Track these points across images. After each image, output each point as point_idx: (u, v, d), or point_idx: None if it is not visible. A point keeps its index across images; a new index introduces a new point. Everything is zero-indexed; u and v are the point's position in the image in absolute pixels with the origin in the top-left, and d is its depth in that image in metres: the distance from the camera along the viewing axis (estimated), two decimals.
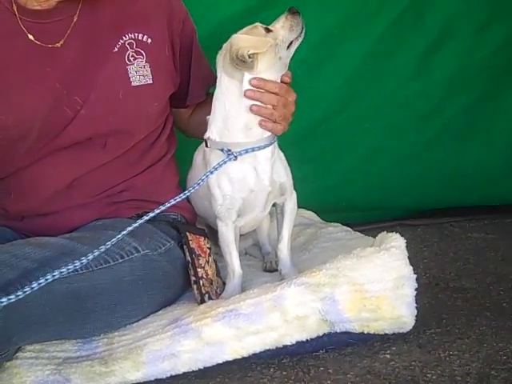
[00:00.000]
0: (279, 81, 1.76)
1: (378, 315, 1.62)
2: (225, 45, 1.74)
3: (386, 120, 2.52)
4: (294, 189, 1.90)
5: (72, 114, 1.72)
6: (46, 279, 1.38)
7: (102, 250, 1.48)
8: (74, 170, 1.77)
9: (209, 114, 1.80)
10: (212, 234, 1.99)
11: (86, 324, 1.63)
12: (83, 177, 1.78)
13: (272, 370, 1.59)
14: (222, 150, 1.73)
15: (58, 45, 1.73)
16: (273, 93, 1.72)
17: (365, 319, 1.62)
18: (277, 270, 1.91)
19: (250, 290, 1.69)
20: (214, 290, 1.80)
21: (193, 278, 1.77)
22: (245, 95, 1.70)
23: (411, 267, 1.67)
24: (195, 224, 2.06)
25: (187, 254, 1.81)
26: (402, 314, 1.63)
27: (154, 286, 1.75)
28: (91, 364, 1.53)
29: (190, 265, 1.79)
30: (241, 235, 2.04)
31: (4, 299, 1.32)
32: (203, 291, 1.75)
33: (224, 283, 1.86)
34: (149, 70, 1.79)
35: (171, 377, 1.54)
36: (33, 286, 1.36)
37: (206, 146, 1.78)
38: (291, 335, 1.58)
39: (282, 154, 1.85)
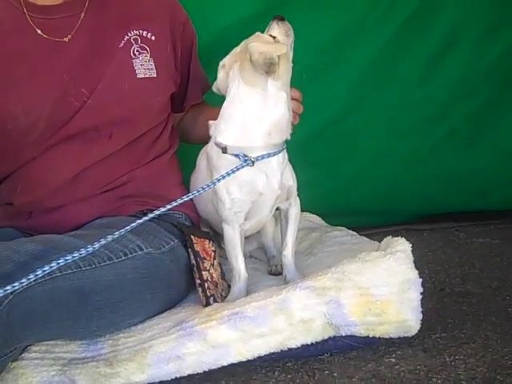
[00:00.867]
0: None
1: (383, 319, 1.61)
2: (234, 54, 1.77)
3: (391, 125, 2.53)
4: (298, 195, 1.91)
5: (79, 104, 1.77)
6: (44, 270, 1.36)
7: (102, 243, 1.47)
8: (81, 161, 1.80)
9: (199, 116, 1.88)
10: (215, 236, 2.00)
11: (90, 322, 1.62)
12: (90, 168, 1.81)
13: (277, 372, 1.59)
14: (236, 156, 1.74)
15: (66, 39, 1.79)
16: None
17: (370, 323, 1.61)
18: (282, 274, 1.91)
19: (255, 293, 1.69)
20: (219, 292, 1.80)
21: (198, 281, 1.77)
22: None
23: (417, 271, 1.66)
24: (199, 225, 2.06)
25: (192, 257, 1.80)
26: (408, 318, 1.63)
27: (157, 285, 1.75)
28: (96, 365, 1.53)
29: (194, 268, 1.79)
30: (245, 238, 2.05)
31: (8, 287, 1.31)
32: (208, 294, 1.75)
33: (229, 286, 1.86)
34: (153, 64, 1.85)
35: (176, 379, 1.54)
36: (37, 273, 1.35)
37: (223, 152, 1.77)
38: (296, 338, 1.58)
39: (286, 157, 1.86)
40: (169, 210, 1.64)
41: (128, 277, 1.67)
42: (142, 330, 1.67)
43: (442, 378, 1.53)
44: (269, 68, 1.69)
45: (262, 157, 1.73)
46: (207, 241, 1.90)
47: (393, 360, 1.63)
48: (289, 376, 1.57)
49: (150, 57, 1.85)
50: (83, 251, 1.44)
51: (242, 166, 1.71)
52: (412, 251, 1.73)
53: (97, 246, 1.47)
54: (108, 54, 1.82)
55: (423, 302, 1.73)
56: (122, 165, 1.87)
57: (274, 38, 1.77)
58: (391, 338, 1.66)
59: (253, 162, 1.72)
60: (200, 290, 1.77)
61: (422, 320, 1.66)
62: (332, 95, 2.47)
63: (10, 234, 1.79)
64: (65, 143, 1.79)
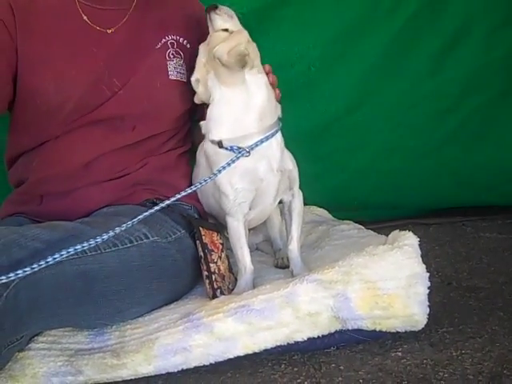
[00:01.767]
0: None
1: (390, 313, 1.61)
2: (202, 65, 1.83)
3: (400, 118, 2.51)
4: (301, 189, 1.91)
5: (110, 93, 1.83)
6: (54, 258, 1.39)
7: (110, 234, 1.50)
8: (101, 147, 1.84)
9: None
10: (221, 228, 2.00)
11: (96, 309, 1.63)
12: (106, 154, 1.85)
13: (283, 366, 1.59)
14: (231, 149, 1.75)
15: (109, 31, 1.87)
16: None
17: (377, 317, 1.61)
18: (288, 267, 1.91)
19: (262, 285, 1.70)
20: (226, 285, 1.81)
21: (205, 273, 1.78)
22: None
23: (424, 265, 1.66)
24: (207, 217, 2.07)
25: (200, 248, 1.81)
26: (415, 313, 1.63)
27: (162, 274, 1.76)
28: (103, 356, 1.54)
29: (202, 260, 1.79)
30: (250, 230, 2.06)
31: (12, 274, 1.33)
32: (215, 286, 1.76)
33: (236, 279, 1.86)
34: (184, 69, 1.94)
35: (182, 371, 1.55)
36: (41, 263, 1.37)
37: (220, 146, 1.79)
38: (303, 332, 1.58)
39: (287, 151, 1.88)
40: (177, 200, 1.67)
41: (133, 264, 1.68)
42: (148, 321, 1.68)
43: (449, 373, 1.53)
44: (242, 62, 1.71)
45: (256, 144, 1.75)
46: (215, 233, 1.90)
47: (399, 354, 1.62)
48: (295, 369, 1.57)
49: (184, 62, 1.94)
50: (86, 245, 1.46)
51: (237, 158, 1.73)
52: (419, 245, 1.74)
53: (105, 236, 1.49)
54: (145, 53, 1.90)
55: (430, 296, 1.72)
56: (138, 154, 1.91)
57: (227, 30, 1.79)
58: (398, 332, 1.66)
59: (248, 152, 1.74)
60: (207, 282, 1.77)
61: (428, 314, 1.66)
62: (340, 88, 2.46)
63: (19, 222, 1.81)
64: (88, 127, 1.84)
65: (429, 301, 1.68)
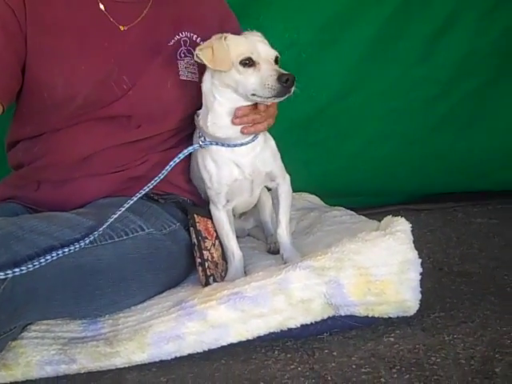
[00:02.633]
0: None
1: (382, 299, 1.62)
2: None
3: (391, 105, 2.51)
4: (292, 175, 1.91)
5: (118, 91, 1.80)
6: (52, 256, 1.43)
7: (104, 226, 1.54)
8: (104, 142, 1.83)
9: None
10: None
11: (91, 301, 1.64)
12: (109, 149, 1.83)
13: (276, 352, 1.60)
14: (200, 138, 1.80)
15: (122, 28, 1.84)
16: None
17: (369, 303, 1.62)
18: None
19: (254, 272, 1.70)
20: (218, 272, 1.81)
21: (198, 260, 1.78)
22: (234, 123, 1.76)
23: (416, 251, 1.66)
24: (204, 207, 2.06)
25: (194, 235, 1.81)
26: (407, 298, 1.64)
27: (158, 266, 1.76)
28: (96, 344, 1.55)
29: (195, 247, 1.80)
30: (242, 215, 2.07)
31: (9, 271, 1.36)
32: (208, 273, 1.76)
33: None
34: (196, 69, 1.90)
35: (176, 358, 1.56)
36: (41, 261, 1.41)
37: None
38: (296, 318, 1.59)
39: (272, 143, 1.86)
40: (174, 194, 1.80)
41: (129, 256, 1.68)
42: (141, 309, 1.68)
43: (441, 357, 1.54)
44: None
45: (211, 143, 1.77)
46: (210, 221, 1.90)
47: (392, 339, 1.63)
48: (288, 355, 1.58)
49: (195, 61, 1.83)
50: (82, 243, 1.51)
51: (188, 151, 1.79)
52: (411, 231, 1.73)
53: (96, 234, 1.54)
54: (156, 49, 1.86)
55: (422, 281, 1.73)
56: (139, 151, 1.89)
57: None
58: (390, 318, 1.67)
59: (200, 146, 1.78)
60: (200, 269, 1.77)
61: (420, 300, 1.67)
62: (331, 75, 2.45)
63: (14, 210, 1.81)
64: (93, 122, 1.82)
65: (420, 286, 1.69)
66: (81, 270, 1.58)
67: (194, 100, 1.86)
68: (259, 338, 1.59)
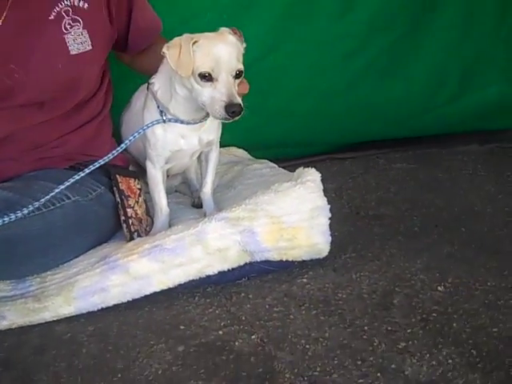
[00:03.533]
0: None
1: (294, 244, 1.75)
2: None
3: (311, 60, 2.56)
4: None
5: (12, 82, 1.73)
6: None
7: (36, 205, 1.60)
8: (9, 126, 1.79)
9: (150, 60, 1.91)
10: (143, 173, 2.08)
11: (20, 266, 1.71)
12: (17, 132, 1.81)
13: (197, 298, 1.72)
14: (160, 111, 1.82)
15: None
16: None
17: (282, 248, 1.75)
18: None
19: (174, 226, 1.80)
20: (143, 228, 1.91)
21: (122, 218, 1.87)
22: None
23: (325, 198, 1.79)
24: (128, 168, 2.13)
25: (117, 195, 1.90)
26: (318, 242, 1.77)
27: (86, 229, 1.85)
28: (25, 301, 1.64)
29: (119, 205, 1.89)
30: (169, 175, 2.15)
31: None
32: (132, 230, 1.86)
33: (153, 222, 1.96)
34: (87, 35, 1.80)
35: (102, 309, 1.66)
36: None
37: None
38: (213, 266, 1.71)
39: None
40: (95, 157, 1.76)
41: (57, 224, 1.76)
42: (67, 266, 1.77)
43: (347, 293, 1.69)
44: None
45: (176, 120, 1.82)
46: (132, 179, 1.99)
47: (304, 280, 1.77)
48: (207, 300, 1.70)
49: (83, 28, 1.79)
50: (19, 213, 1.57)
51: (153, 124, 1.82)
52: (333, 179, 1.83)
53: (25, 211, 1.60)
54: (38, 28, 1.75)
55: (338, 226, 1.88)
56: (53, 130, 1.87)
57: None
58: (304, 261, 1.80)
59: (164, 121, 1.82)
60: (124, 226, 1.87)
61: (334, 243, 1.81)
62: (252, 34, 2.47)
63: None
64: (2, 111, 1.77)
65: (336, 230, 1.83)
66: (9, 241, 1.63)
67: (94, 69, 1.86)
68: (181, 285, 1.70)
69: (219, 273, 1.72)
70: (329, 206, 1.78)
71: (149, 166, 1.94)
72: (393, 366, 1.40)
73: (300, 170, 1.88)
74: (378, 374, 1.38)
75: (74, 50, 1.79)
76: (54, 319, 1.63)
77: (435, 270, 1.78)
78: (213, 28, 1.83)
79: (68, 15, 1.78)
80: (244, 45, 1.80)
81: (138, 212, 1.92)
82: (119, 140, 2.09)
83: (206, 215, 1.95)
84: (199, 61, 1.67)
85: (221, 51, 1.68)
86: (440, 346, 1.45)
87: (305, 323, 1.57)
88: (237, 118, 1.69)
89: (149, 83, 1.87)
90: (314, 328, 1.55)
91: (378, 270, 1.80)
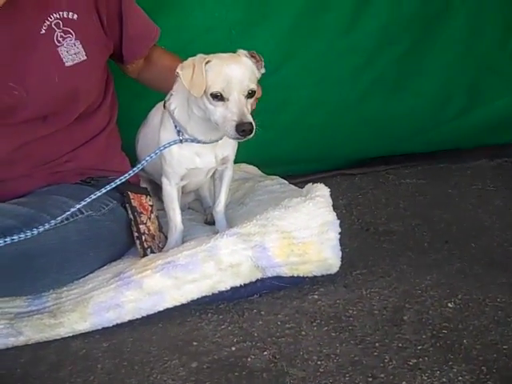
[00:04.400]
0: None
1: (305, 259, 1.77)
2: None
3: (320, 75, 2.60)
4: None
5: (12, 100, 1.75)
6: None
7: (52, 224, 1.63)
8: (13, 142, 1.82)
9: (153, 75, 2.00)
10: (156, 190, 2.11)
11: (35, 281, 1.74)
12: (24, 148, 1.84)
13: (210, 314, 1.74)
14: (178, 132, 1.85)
15: None
16: None
17: (293, 263, 1.77)
18: None
19: (187, 242, 1.83)
20: (156, 244, 1.93)
21: (135, 234, 1.90)
22: None
23: (335, 213, 1.81)
24: (138, 183, 2.16)
25: (129, 212, 1.93)
26: (328, 257, 1.79)
27: (100, 244, 1.87)
28: (41, 317, 1.67)
29: (132, 222, 1.91)
30: (183, 192, 2.18)
31: None
32: (145, 246, 1.88)
33: (166, 237, 1.99)
34: (80, 46, 1.81)
35: (117, 325, 1.69)
36: None
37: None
38: (226, 282, 1.73)
39: None
40: (106, 175, 1.83)
41: (72, 239, 1.79)
42: (83, 282, 1.80)
43: (357, 309, 1.71)
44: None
45: (192, 140, 1.84)
46: (144, 196, 2.01)
47: (316, 296, 1.79)
48: (220, 316, 1.72)
49: (76, 39, 1.80)
50: (35, 231, 1.58)
51: (170, 144, 1.84)
52: (343, 195, 1.85)
53: (41, 229, 1.61)
54: (31, 43, 1.75)
55: (349, 242, 1.90)
56: (60, 144, 1.90)
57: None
58: (316, 277, 1.82)
59: (181, 141, 1.84)
60: (138, 242, 1.90)
61: (344, 259, 1.82)
62: (262, 50, 2.53)
63: None
64: (6, 128, 1.80)
65: (347, 246, 1.85)
66: (25, 256, 1.66)
67: (92, 77, 1.87)
68: (193, 301, 1.72)
69: (231, 289, 1.74)
70: (338, 221, 1.80)
71: (164, 182, 1.96)
72: (403, 383, 1.41)
73: (309, 185, 1.91)
74: None
75: (68, 61, 1.80)
76: (70, 335, 1.66)
77: (445, 286, 1.79)
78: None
79: (59, 27, 1.78)
80: (263, 70, 1.80)
81: (151, 228, 1.95)
82: (134, 157, 2.13)
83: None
84: (211, 80, 1.69)
85: (232, 71, 1.70)
86: (450, 363, 1.46)
87: (316, 339, 1.59)
88: (249, 137, 1.71)
89: (165, 101, 1.90)
90: (325, 344, 1.56)
91: (388, 286, 1.81)
